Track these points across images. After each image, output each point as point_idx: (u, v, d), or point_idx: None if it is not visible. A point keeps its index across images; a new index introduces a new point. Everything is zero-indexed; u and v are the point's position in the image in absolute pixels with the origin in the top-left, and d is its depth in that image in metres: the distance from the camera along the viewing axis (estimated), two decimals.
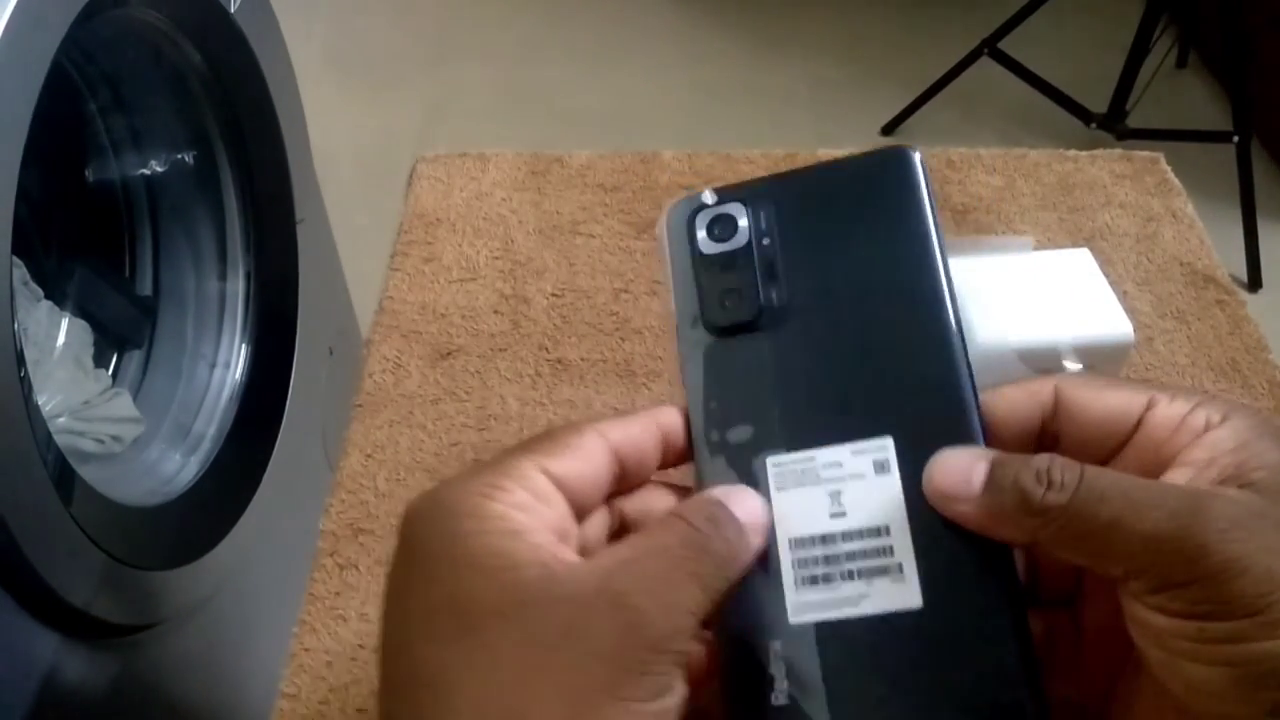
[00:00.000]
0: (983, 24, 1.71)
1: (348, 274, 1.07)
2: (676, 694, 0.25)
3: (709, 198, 0.31)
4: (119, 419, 0.76)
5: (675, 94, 1.95)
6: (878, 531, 0.28)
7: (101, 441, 0.74)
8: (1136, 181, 0.62)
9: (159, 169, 0.84)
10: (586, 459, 0.28)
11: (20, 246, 0.61)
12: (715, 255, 0.31)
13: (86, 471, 0.64)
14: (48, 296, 0.77)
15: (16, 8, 0.55)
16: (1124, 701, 0.28)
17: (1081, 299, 0.49)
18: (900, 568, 0.27)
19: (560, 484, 0.28)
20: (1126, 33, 1.62)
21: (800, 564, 0.28)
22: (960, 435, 0.28)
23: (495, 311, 0.55)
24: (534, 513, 0.27)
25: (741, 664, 0.27)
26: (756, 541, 0.28)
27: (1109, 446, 0.28)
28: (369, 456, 0.49)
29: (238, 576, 0.81)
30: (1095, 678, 0.29)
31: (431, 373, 0.53)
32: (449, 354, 0.53)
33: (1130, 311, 0.49)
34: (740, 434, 0.29)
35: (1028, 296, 0.50)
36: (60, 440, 0.62)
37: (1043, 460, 0.26)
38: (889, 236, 0.30)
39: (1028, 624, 0.26)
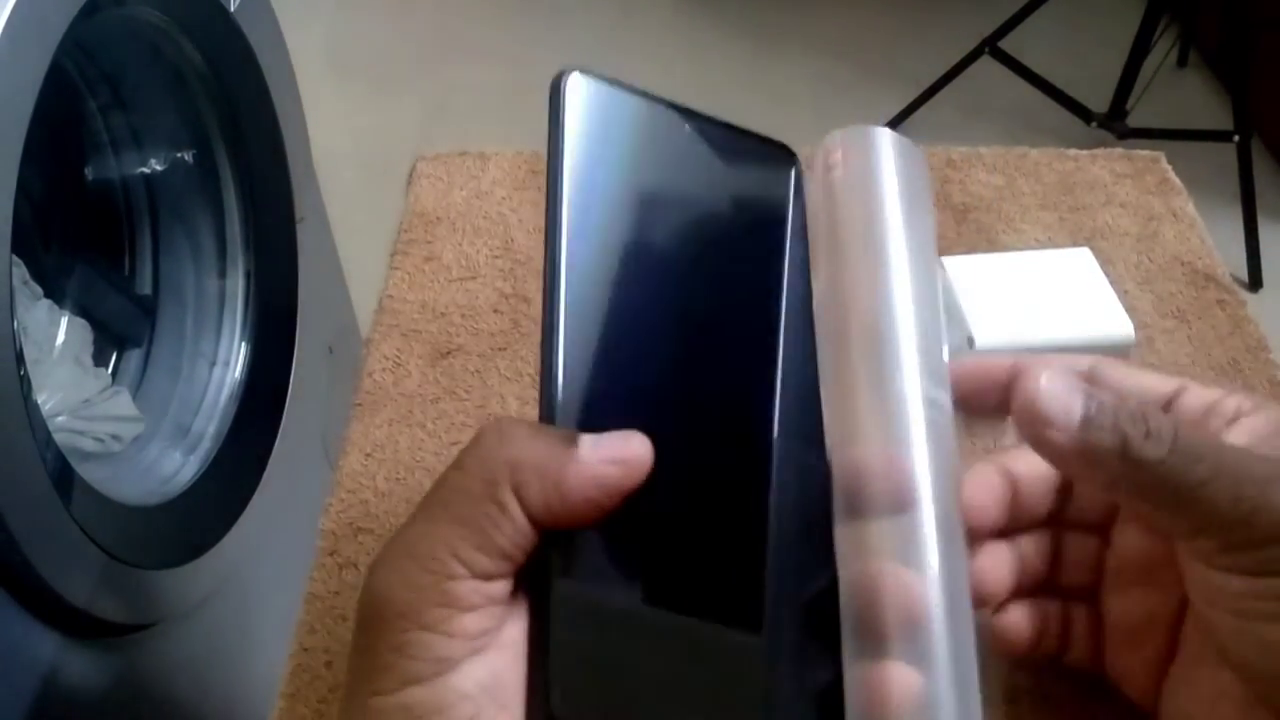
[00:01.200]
0: (983, 23, 1.71)
1: (347, 273, 1.07)
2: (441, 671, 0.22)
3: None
4: (118, 418, 0.76)
5: (676, 92, 1.94)
6: None
7: (101, 440, 0.74)
8: (1137, 181, 0.62)
9: (159, 167, 0.83)
10: None
11: (20, 245, 0.61)
12: None
13: (86, 470, 0.64)
14: (47, 295, 0.77)
15: (16, 6, 0.55)
16: (1175, 691, 0.28)
17: (1082, 298, 0.49)
18: None
19: None
20: (1127, 32, 1.62)
21: None
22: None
23: (495, 310, 0.55)
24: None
25: None
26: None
27: None
28: (369, 455, 0.49)
29: (237, 576, 0.81)
30: (1126, 665, 0.30)
31: (431, 372, 0.53)
32: (449, 353, 0.53)
33: (1131, 311, 0.49)
34: None
35: (1028, 296, 0.50)
36: (60, 439, 0.62)
37: (1138, 406, 0.26)
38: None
39: None
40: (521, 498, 0.22)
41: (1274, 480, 0.25)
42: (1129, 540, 0.30)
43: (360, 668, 0.22)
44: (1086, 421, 0.25)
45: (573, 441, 0.23)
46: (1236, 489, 0.25)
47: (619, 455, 0.23)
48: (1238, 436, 0.27)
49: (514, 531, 0.22)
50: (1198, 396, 0.28)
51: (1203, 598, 0.27)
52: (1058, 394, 0.25)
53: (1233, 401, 0.28)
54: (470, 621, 0.22)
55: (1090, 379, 0.28)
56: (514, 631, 0.23)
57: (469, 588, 0.22)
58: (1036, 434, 0.26)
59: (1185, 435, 0.26)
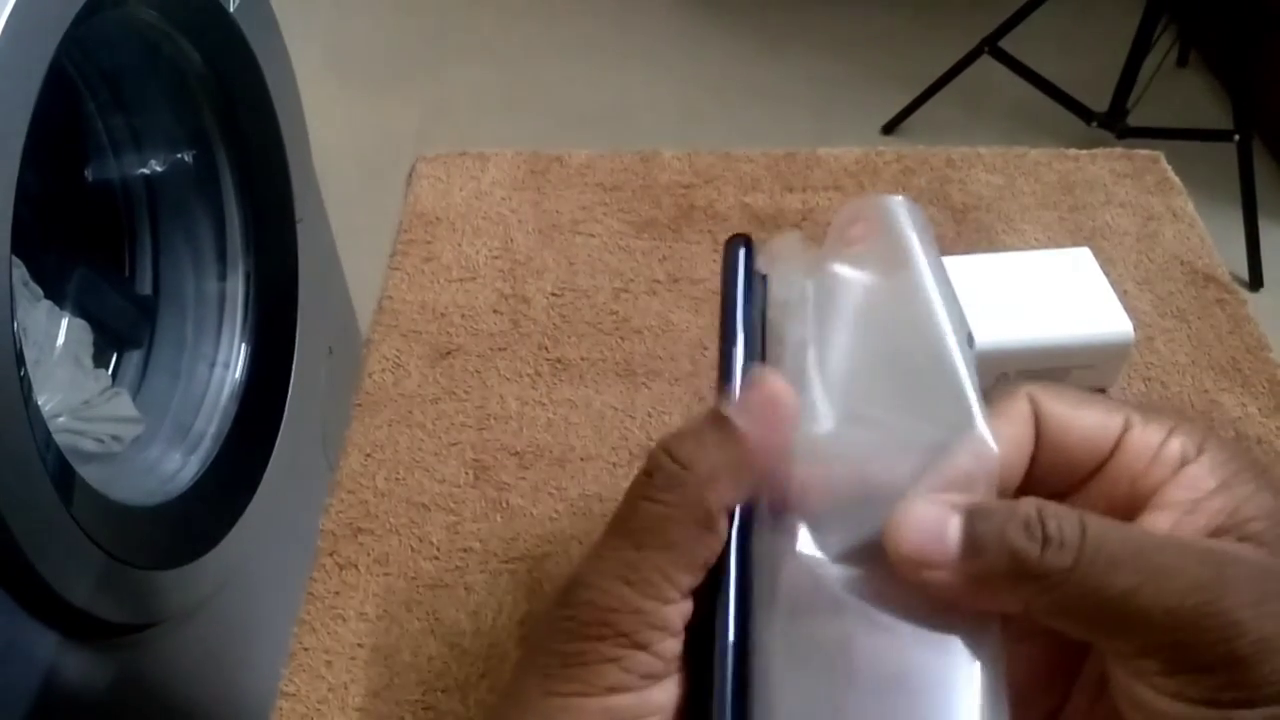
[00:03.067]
0: (983, 22, 1.70)
1: (347, 273, 1.07)
2: (633, 685, 0.23)
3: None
4: (119, 418, 0.76)
5: (675, 93, 1.95)
6: None
7: (101, 441, 0.74)
8: (1137, 180, 0.62)
9: (158, 168, 0.83)
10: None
11: (20, 246, 0.61)
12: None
13: (86, 471, 0.64)
14: (47, 296, 0.77)
15: (16, 7, 0.55)
16: None
17: (1082, 298, 0.49)
18: None
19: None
20: (1127, 31, 1.62)
21: None
22: None
23: (495, 311, 0.55)
24: None
25: None
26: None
27: (1084, 471, 0.25)
28: (368, 456, 0.49)
29: (237, 576, 0.80)
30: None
31: (431, 372, 0.52)
32: (448, 353, 0.53)
33: (1131, 311, 0.49)
34: None
35: (1028, 296, 0.50)
36: (60, 440, 0.62)
37: (1029, 508, 0.22)
38: None
39: None
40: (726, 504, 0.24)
41: (1221, 583, 0.21)
42: None
43: (553, 671, 0.23)
44: (969, 546, 0.22)
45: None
46: (1172, 597, 0.21)
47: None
48: (1181, 493, 0.24)
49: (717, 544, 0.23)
50: (1141, 439, 0.24)
51: (1134, 713, 0.22)
52: (925, 524, 0.22)
53: (1177, 444, 0.24)
54: (674, 645, 0.23)
55: (1034, 408, 0.25)
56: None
57: (679, 610, 0.23)
58: (916, 578, 0.22)
59: (1096, 533, 0.21)
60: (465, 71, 1.97)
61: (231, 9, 0.77)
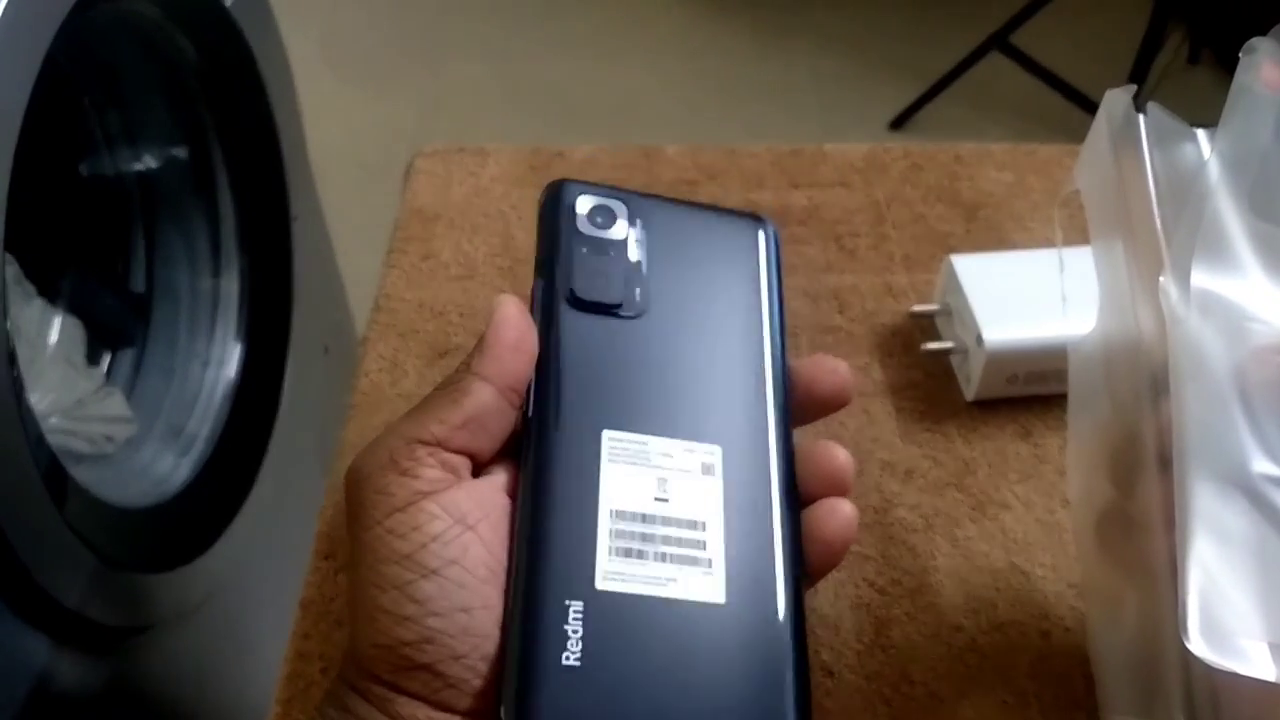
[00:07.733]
0: (992, 18, 1.70)
1: (343, 271, 1.06)
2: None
3: (593, 188, 0.36)
4: (112, 418, 0.75)
5: (678, 88, 1.94)
6: (694, 524, 0.30)
7: (94, 441, 0.73)
8: None
9: (153, 165, 0.83)
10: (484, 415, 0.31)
11: (12, 243, 0.60)
12: (593, 238, 0.35)
13: (79, 472, 0.64)
14: (40, 294, 0.76)
15: (11, 0, 0.55)
16: None
17: (1092, 297, 0.48)
18: (709, 563, 0.29)
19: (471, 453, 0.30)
20: (1137, 27, 1.61)
21: (617, 534, 0.29)
22: (765, 461, 0.32)
23: None
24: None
25: (534, 619, 0.27)
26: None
27: None
28: None
29: (231, 580, 0.80)
30: None
31: (429, 372, 0.52)
32: (446, 353, 0.53)
33: None
34: (584, 401, 0.31)
35: (1038, 294, 0.49)
36: (52, 440, 0.62)
37: None
38: (735, 285, 0.36)
39: (806, 643, 0.29)
40: (481, 374, 0.31)
41: None
42: None
43: (352, 523, 0.29)
44: None
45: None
46: None
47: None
48: None
49: (473, 405, 0.30)
50: None
51: None
52: None
53: None
54: (432, 472, 0.29)
55: None
56: (479, 480, 0.30)
57: (429, 450, 0.29)
58: None
59: None
60: (464, 65, 1.96)
61: (228, 3, 0.77)
